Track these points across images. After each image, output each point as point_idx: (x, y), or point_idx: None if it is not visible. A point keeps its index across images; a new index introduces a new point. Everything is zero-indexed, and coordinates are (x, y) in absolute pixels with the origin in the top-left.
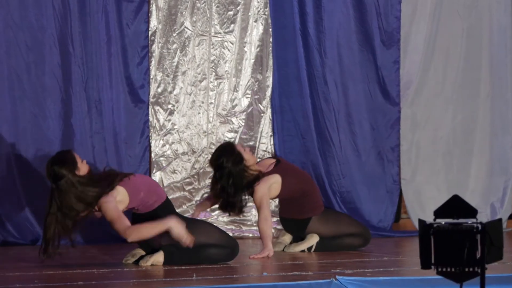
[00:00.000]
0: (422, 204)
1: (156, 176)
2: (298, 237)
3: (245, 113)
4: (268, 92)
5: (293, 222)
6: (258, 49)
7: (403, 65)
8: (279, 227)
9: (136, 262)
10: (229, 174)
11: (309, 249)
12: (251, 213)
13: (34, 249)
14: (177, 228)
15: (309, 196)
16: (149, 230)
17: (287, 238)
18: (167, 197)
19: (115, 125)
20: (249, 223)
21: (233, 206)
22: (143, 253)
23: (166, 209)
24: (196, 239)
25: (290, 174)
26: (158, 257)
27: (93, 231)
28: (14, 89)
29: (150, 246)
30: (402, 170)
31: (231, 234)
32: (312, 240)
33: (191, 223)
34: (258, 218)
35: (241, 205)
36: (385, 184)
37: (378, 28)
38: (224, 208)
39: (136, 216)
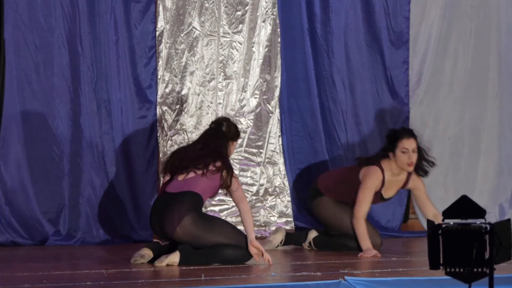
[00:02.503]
0: None
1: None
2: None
3: (253, 113)
4: (277, 93)
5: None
6: (266, 49)
7: (411, 65)
8: (288, 227)
9: (151, 263)
10: None
11: (309, 245)
12: (260, 213)
13: (43, 249)
14: (257, 244)
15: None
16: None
17: (279, 236)
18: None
19: (123, 125)
20: (257, 223)
21: None
22: (151, 254)
23: (197, 201)
24: (214, 238)
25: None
26: (174, 257)
27: (102, 232)
28: (23, 90)
29: (164, 234)
30: None
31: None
32: (310, 235)
33: (210, 221)
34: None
35: None
36: None
37: (386, 29)
38: None
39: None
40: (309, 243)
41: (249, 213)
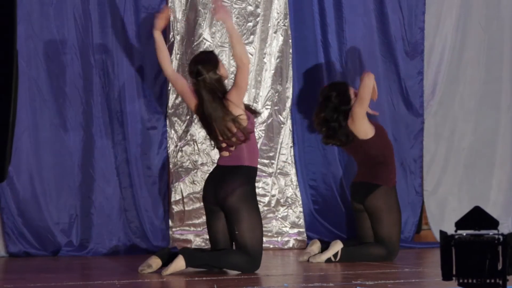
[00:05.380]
0: (444, 216)
1: (176, 186)
2: (324, 248)
3: (265, 124)
4: (288, 103)
5: (363, 186)
6: (278, 60)
7: (426, 76)
8: (300, 238)
9: (158, 272)
10: (335, 108)
11: (335, 256)
12: (271, 224)
13: (56, 260)
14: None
15: (388, 165)
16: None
17: (316, 248)
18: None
19: (135, 136)
20: (269, 234)
21: (335, 133)
22: (160, 262)
23: (251, 175)
24: (243, 231)
25: (382, 136)
26: (178, 262)
27: (114, 243)
28: (35, 100)
29: (217, 200)
30: (424, 181)
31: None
32: (336, 246)
33: (252, 216)
34: None
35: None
36: (407, 195)
37: (401, 39)
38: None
39: (218, 168)
40: (333, 255)
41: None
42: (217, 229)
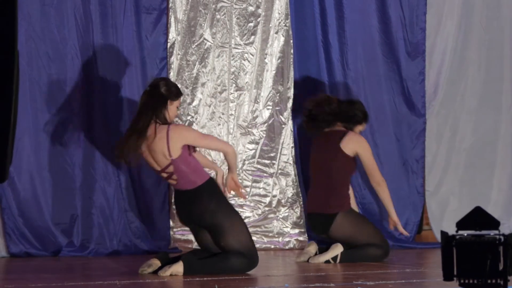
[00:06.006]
0: (445, 216)
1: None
2: (324, 249)
3: (266, 124)
4: (289, 104)
5: (320, 217)
6: (279, 60)
7: (428, 77)
8: (301, 238)
9: (155, 273)
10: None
11: (334, 259)
12: (273, 224)
13: (56, 260)
14: (233, 156)
15: (339, 188)
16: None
17: (312, 249)
18: (210, 177)
19: None
20: (270, 234)
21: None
22: (159, 264)
23: (211, 187)
24: (229, 242)
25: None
26: (178, 267)
27: (115, 243)
28: (36, 100)
29: (195, 223)
30: (426, 181)
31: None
32: (337, 249)
33: (232, 223)
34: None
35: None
36: (409, 195)
37: (403, 40)
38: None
39: (179, 193)
40: (332, 258)
41: (232, 154)
42: (206, 241)
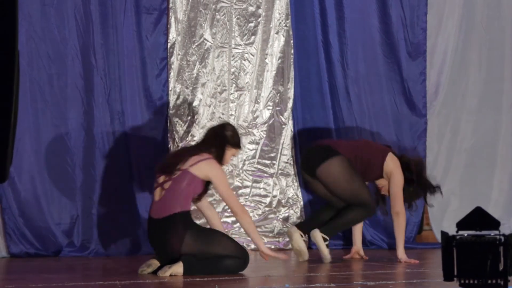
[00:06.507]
0: (446, 216)
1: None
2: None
3: (266, 124)
4: (290, 104)
5: (320, 149)
6: (279, 60)
7: (429, 77)
8: None
9: (155, 273)
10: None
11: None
12: (273, 224)
13: (57, 260)
14: (248, 226)
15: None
16: (253, 228)
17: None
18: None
19: (136, 136)
20: (271, 234)
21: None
22: (158, 264)
23: (186, 218)
24: (214, 250)
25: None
26: (177, 268)
27: (115, 243)
28: (37, 101)
29: (168, 254)
30: None
31: (252, 246)
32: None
33: (209, 234)
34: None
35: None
36: None
37: (404, 40)
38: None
39: (151, 220)
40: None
41: (251, 224)
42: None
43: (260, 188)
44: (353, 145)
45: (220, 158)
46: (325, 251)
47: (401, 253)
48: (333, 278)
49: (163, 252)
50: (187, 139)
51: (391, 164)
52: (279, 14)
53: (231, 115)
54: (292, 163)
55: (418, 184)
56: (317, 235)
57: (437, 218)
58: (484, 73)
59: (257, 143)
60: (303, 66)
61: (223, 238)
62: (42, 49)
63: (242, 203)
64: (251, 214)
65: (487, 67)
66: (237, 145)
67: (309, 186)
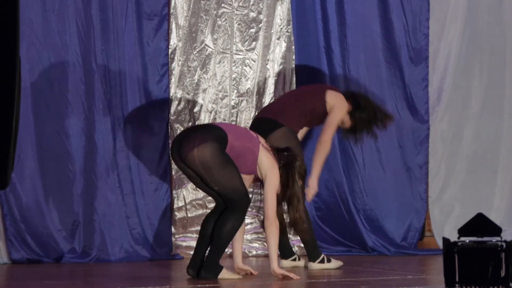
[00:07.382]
0: (447, 222)
1: (179, 193)
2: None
3: None
4: None
5: (267, 121)
6: (281, 66)
7: (431, 82)
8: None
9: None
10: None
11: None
12: None
13: (58, 267)
14: (279, 271)
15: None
16: (275, 242)
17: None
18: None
19: (137, 142)
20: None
21: None
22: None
23: (222, 139)
24: (219, 177)
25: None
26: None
27: (117, 250)
28: (38, 107)
29: (181, 153)
30: (429, 188)
31: (254, 252)
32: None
33: (227, 161)
34: None
35: None
36: (411, 202)
37: (406, 45)
38: None
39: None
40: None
41: (275, 237)
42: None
43: (261, 194)
44: (286, 103)
45: (279, 167)
46: (332, 265)
47: (313, 182)
48: (334, 284)
49: (177, 149)
50: None
51: (332, 99)
52: (281, 20)
53: (232, 120)
54: None
55: (367, 112)
56: (314, 266)
57: (438, 224)
58: (486, 79)
59: None
60: (305, 72)
61: (236, 174)
62: (43, 55)
63: None
64: (252, 220)
65: (489, 73)
66: (301, 177)
67: None
